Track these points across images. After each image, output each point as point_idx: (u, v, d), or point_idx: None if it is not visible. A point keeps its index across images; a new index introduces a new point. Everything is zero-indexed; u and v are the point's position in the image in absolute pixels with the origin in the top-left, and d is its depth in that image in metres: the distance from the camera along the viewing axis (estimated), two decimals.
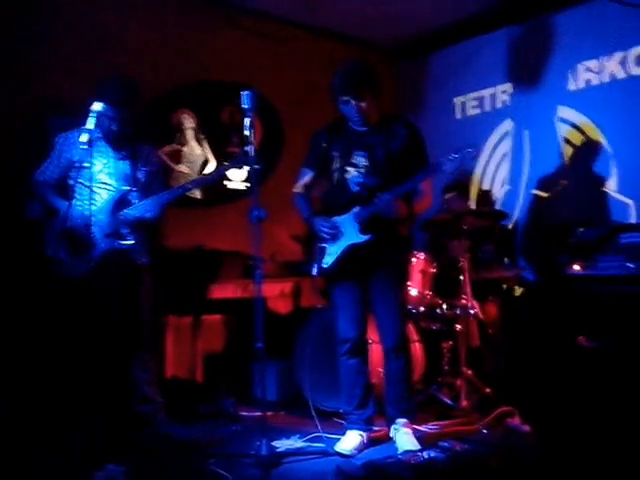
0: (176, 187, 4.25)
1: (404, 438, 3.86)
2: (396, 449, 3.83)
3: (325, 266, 3.95)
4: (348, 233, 3.90)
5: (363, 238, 3.86)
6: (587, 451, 3.41)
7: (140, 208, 4.01)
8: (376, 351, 4.45)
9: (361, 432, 3.97)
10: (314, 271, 3.99)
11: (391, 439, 3.97)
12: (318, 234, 3.96)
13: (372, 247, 3.87)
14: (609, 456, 3.32)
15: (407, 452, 3.70)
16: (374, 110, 3.95)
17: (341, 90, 3.87)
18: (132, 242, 4.03)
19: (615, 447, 3.40)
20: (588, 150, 5.70)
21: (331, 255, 3.94)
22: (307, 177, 4.11)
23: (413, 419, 4.02)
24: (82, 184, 3.89)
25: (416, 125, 4.09)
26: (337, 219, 3.93)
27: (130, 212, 4.00)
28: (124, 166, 4.11)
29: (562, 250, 4.70)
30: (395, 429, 3.94)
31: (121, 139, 4.09)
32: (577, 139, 5.78)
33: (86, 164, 3.65)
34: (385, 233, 3.90)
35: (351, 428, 4.00)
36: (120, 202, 4.03)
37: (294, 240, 5.75)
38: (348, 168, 3.95)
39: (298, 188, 4.12)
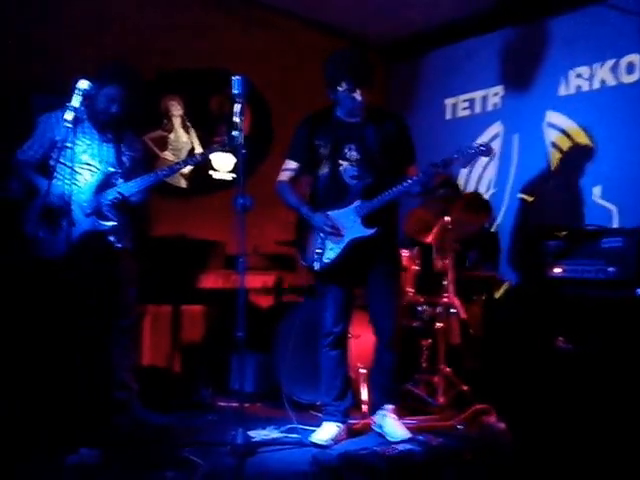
0: (162, 168, 4.22)
1: (393, 425, 3.88)
2: (385, 434, 3.85)
3: (327, 261, 3.90)
4: (350, 227, 3.87)
5: (368, 232, 3.83)
6: (560, 449, 3.42)
7: (125, 188, 3.99)
8: (355, 345, 4.44)
9: (338, 423, 3.95)
10: (316, 267, 3.93)
11: (370, 430, 4.02)
12: (319, 229, 3.90)
13: (373, 241, 3.86)
14: (581, 454, 3.33)
15: (400, 441, 3.70)
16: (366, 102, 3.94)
17: (351, 78, 3.81)
18: (114, 224, 4.00)
19: (587, 445, 3.42)
20: (574, 156, 5.72)
21: (333, 250, 3.89)
22: (292, 169, 4.05)
23: (398, 405, 4.03)
24: (64, 164, 3.83)
25: (403, 117, 4.10)
26: (336, 213, 3.90)
27: (115, 191, 3.98)
28: (108, 149, 4.10)
29: (545, 253, 4.71)
30: (382, 415, 3.95)
31: (109, 122, 4.06)
32: (565, 144, 5.80)
33: (69, 144, 3.61)
34: (386, 227, 3.90)
35: (328, 419, 3.98)
36: (104, 184, 4.01)
37: (280, 242, 5.70)
38: (341, 161, 3.92)
39: (284, 181, 4.05)
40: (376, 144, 3.90)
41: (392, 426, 3.89)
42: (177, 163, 4.33)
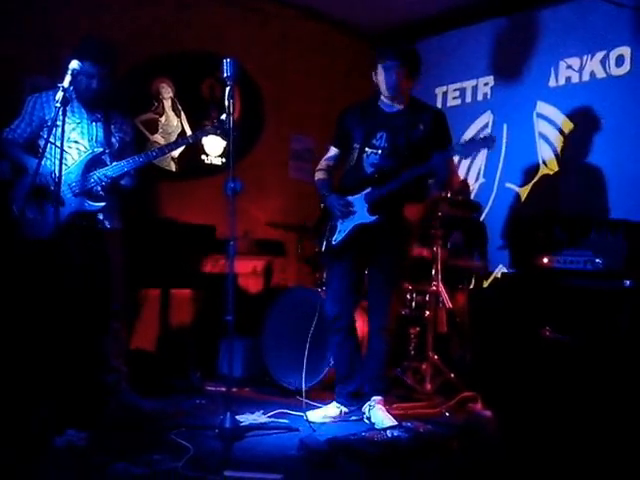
0: (152, 149, 4.19)
1: (380, 414, 3.93)
2: (373, 424, 3.91)
3: (333, 243, 4.02)
4: (358, 213, 3.95)
5: (370, 218, 3.91)
6: (546, 437, 3.46)
7: (115, 169, 3.97)
8: None
9: (340, 405, 4.07)
10: (322, 246, 4.08)
11: (362, 417, 4.06)
12: (331, 210, 4.03)
13: (378, 229, 3.93)
14: (568, 440, 3.37)
15: (387, 427, 3.73)
16: (407, 90, 4.03)
17: (386, 54, 3.92)
18: (102, 204, 3.98)
19: (573, 431, 3.46)
20: (563, 147, 5.74)
21: (340, 232, 4.01)
22: (332, 155, 4.22)
23: (386, 397, 4.08)
24: (53, 143, 3.76)
25: (443, 115, 4.12)
26: (350, 198, 3.98)
27: (104, 172, 3.96)
28: (97, 128, 4.08)
29: (532, 243, 4.74)
30: (370, 406, 4.00)
31: (96, 101, 4.04)
32: (554, 135, 5.81)
33: (58, 122, 3.58)
34: (393, 216, 3.95)
35: (336, 400, 4.11)
36: (93, 163, 3.98)
37: (270, 225, 5.70)
38: (367, 149, 4.00)
39: (320, 168, 4.22)
40: (405, 135, 3.94)
41: (379, 417, 3.93)
42: (167, 145, 4.32)
